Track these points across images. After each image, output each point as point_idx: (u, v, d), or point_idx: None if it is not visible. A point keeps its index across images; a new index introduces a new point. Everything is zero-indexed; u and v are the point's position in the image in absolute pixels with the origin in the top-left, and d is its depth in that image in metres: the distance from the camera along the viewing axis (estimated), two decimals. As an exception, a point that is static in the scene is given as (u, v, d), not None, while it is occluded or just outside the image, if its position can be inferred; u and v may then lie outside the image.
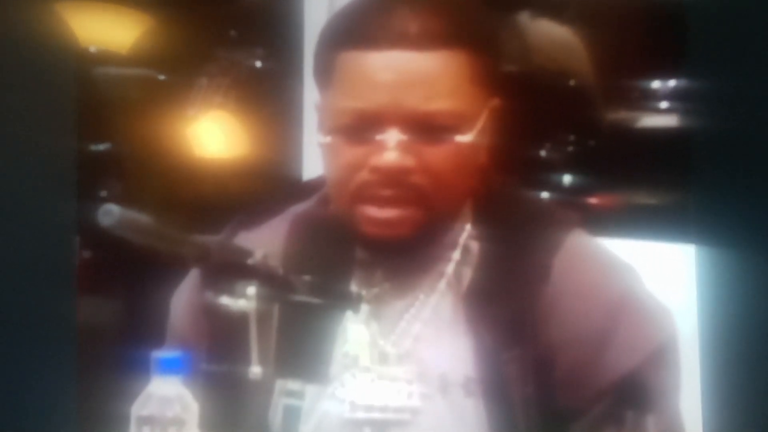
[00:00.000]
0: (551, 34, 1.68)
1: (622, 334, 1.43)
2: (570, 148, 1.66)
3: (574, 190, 1.66)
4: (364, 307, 1.41)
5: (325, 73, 1.46)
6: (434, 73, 1.41)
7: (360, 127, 1.42)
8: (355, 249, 1.44)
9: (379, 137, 1.41)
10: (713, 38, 1.62)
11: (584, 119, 1.68)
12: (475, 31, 1.46)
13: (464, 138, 1.43)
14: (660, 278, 1.51)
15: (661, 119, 1.69)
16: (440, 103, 1.42)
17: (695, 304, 1.57)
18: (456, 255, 1.49)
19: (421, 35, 1.41)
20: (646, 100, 1.68)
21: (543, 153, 1.65)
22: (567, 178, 1.66)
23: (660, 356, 1.44)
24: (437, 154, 1.42)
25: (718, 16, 1.62)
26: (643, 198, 1.65)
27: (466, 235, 1.49)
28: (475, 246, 1.49)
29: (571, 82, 1.67)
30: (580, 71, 1.68)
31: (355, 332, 1.42)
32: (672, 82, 1.68)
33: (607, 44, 1.68)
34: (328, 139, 1.45)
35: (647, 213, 1.63)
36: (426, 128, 1.41)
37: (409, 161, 1.42)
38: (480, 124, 1.44)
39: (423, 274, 1.48)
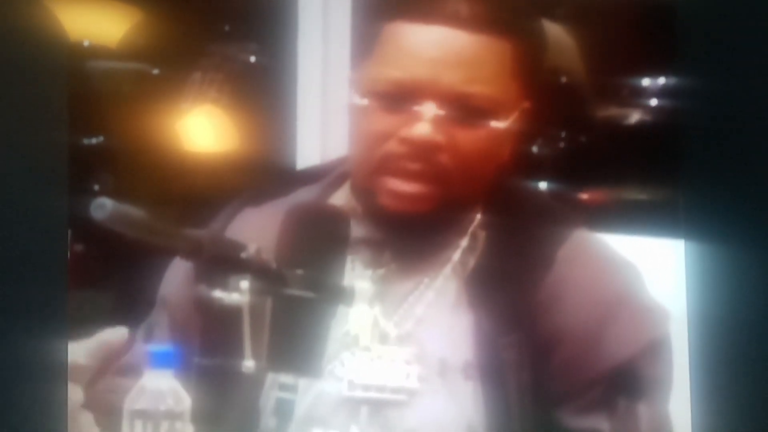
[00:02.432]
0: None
1: (618, 326, 1.45)
2: (560, 144, 1.67)
3: (564, 186, 1.67)
4: (369, 287, 1.41)
5: (369, 40, 1.46)
6: (479, 56, 1.42)
7: (397, 97, 1.43)
8: (350, 240, 1.45)
9: (415, 109, 1.42)
10: (703, 35, 1.63)
11: (575, 116, 1.68)
12: (524, 26, 1.47)
13: (497, 125, 1.44)
14: (650, 273, 1.52)
15: (651, 116, 1.70)
16: (479, 86, 1.42)
17: (684, 298, 1.58)
18: (464, 242, 1.50)
19: (472, 17, 1.41)
20: (637, 97, 1.69)
21: (534, 149, 1.66)
22: (558, 174, 1.67)
23: (653, 350, 1.46)
24: (467, 137, 1.43)
25: (708, 14, 1.63)
26: (634, 194, 1.66)
27: (475, 223, 1.50)
28: (482, 234, 1.50)
29: (563, 79, 1.68)
30: (571, 68, 1.68)
31: (358, 312, 1.43)
32: (662, 80, 1.69)
33: (599, 42, 1.68)
34: (364, 101, 1.45)
35: (637, 208, 1.64)
36: (461, 109, 1.42)
37: (439, 138, 1.42)
38: (512, 118, 1.45)
39: (430, 258, 1.49)
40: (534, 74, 1.47)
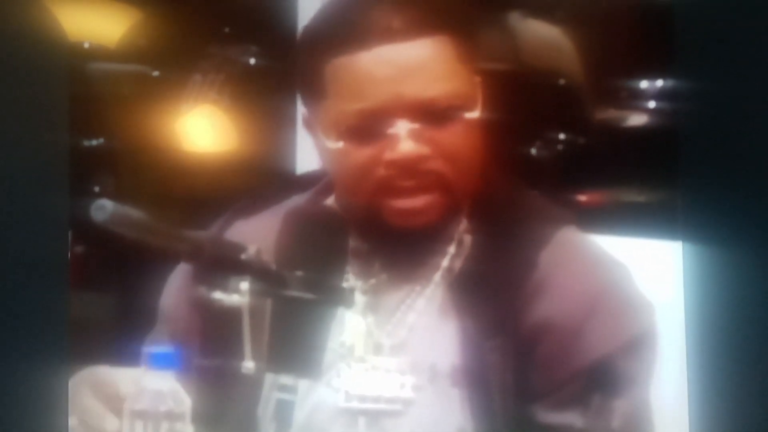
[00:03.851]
0: (541, 34, 1.69)
1: (599, 321, 1.46)
2: (559, 147, 1.67)
3: (562, 188, 1.67)
4: (361, 298, 1.43)
5: (317, 83, 1.48)
6: (427, 58, 1.44)
7: (368, 126, 1.44)
8: (349, 243, 1.46)
9: (390, 131, 1.43)
10: (700, 37, 1.64)
11: (573, 118, 1.69)
12: (452, 15, 1.49)
13: (470, 115, 1.46)
14: (647, 275, 1.52)
15: (649, 118, 1.70)
16: (440, 87, 1.44)
17: (682, 300, 1.58)
18: (452, 249, 1.51)
19: (406, 25, 1.43)
20: (635, 99, 1.70)
21: (533, 151, 1.66)
22: (556, 176, 1.67)
23: (634, 346, 1.47)
24: (448, 137, 1.45)
25: (706, 16, 1.64)
26: (631, 195, 1.67)
27: (461, 228, 1.51)
28: (468, 239, 1.51)
29: (561, 81, 1.69)
30: (569, 71, 1.69)
31: (352, 322, 1.44)
32: (660, 82, 1.69)
33: (596, 44, 1.69)
34: (339, 144, 1.46)
35: (635, 210, 1.65)
36: (432, 113, 1.44)
37: (423, 148, 1.44)
38: (479, 100, 1.47)
39: (420, 266, 1.50)
40: (477, 51, 1.49)
